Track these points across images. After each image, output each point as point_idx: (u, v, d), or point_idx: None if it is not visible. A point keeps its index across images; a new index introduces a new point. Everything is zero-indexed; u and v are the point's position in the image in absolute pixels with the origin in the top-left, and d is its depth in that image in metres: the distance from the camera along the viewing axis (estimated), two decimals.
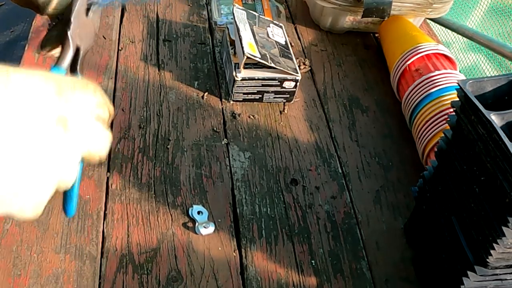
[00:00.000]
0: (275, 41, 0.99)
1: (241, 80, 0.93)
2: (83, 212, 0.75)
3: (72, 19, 0.53)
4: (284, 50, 0.98)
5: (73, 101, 0.42)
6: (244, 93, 0.96)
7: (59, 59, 0.52)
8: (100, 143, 0.44)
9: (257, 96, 0.96)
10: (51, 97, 0.40)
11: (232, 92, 0.95)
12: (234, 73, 0.93)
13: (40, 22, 1.06)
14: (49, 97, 0.40)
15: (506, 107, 0.60)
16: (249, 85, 0.94)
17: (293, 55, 0.99)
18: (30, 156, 0.38)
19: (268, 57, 0.93)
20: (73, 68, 0.53)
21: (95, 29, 0.58)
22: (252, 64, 0.94)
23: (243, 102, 0.97)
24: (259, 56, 0.91)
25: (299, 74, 0.95)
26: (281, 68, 0.93)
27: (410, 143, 0.94)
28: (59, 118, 0.40)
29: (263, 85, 0.95)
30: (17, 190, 0.38)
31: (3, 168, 0.37)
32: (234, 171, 0.85)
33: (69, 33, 0.53)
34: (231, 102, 0.97)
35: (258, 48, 0.93)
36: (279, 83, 0.95)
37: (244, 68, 0.93)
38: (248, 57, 0.91)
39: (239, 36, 0.94)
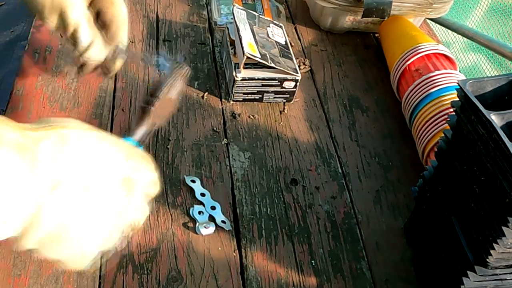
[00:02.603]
0: (275, 41, 0.99)
1: (241, 80, 0.93)
2: None
3: (158, 96, 0.55)
4: (284, 50, 0.98)
5: (138, 170, 0.45)
6: (244, 93, 0.96)
7: (134, 130, 0.53)
8: (142, 216, 0.48)
9: (257, 96, 0.96)
10: (120, 161, 0.44)
11: (232, 92, 0.95)
12: (234, 73, 0.93)
13: (40, 22, 1.06)
14: (118, 160, 0.43)
15: (506, 107, 0.60)
16: (249, 85, 0.94)
17: (293, 55, 0.99)
18: (88, 207, 0.42)
19: (268, 57, 0.93)
20: (140, 142, 0.55)
21: (172, 109, 0.59)
22: (252, 64, 0.94)
23: (243, 102, 0.97)
24: (259, 56, 0.91)
25: (299, 74, 0.95)
26: (281, 68, 0.93)
27: (410, 143, 0.94)
28: (124, 179, 0.44)
29: (263, 85, 0.95)
30: (73, 240, 0.41)
31: (66, 216, 0.40)
32: (234, 171, 0.85)
33: (152, 109, 0.54)
34: (231, 102, 0.97)
35: (258, 48, 0.93)
36: (279, 83, 0.95)
37: (244, 68, 0.93)
38: (248, 57, 0.91)
39: (239, 36, 0.94)
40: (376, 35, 1.20)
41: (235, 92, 0.95)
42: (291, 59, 0.97)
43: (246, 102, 0.97)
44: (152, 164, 0.48)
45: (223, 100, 0.97)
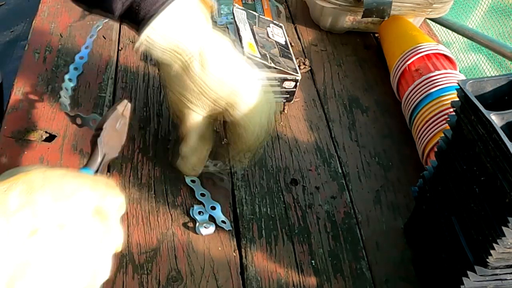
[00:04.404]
0: (275, 41, 0.99)
1: None
2: None
3: (104, 127, 0.59)
4: (284, 50, 0.98)
5: (105, 197, 0.48)
6: None
7: (89, 162, 0.57)
8: (120, 238, 0.50)
9: None
10: (87, 192, 0.46)
11: None
12: None
13: (40, 22, 1.06)
14: (84, 192, 0.45)
15: (506, 107, 0.60)
16: None
17: (293, 55, 0.99)
18: (69, 244, 0.43)
19: (268, 57, 0.93)
20: (96, 171, 0.58)
21: (121, 141, 0.63)
22: (252, 64, 0.94)
23: None
24: (259, 56, 0.91)
25: (299, 74, 0.95)
26: (281, 68, 0.93)
27: (410, 143, 0.94)
28: (95, 209, 0.46)
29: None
30: (64, 281, 0.42)
31: (47, 256, 0.41)
32: (234, 171, 0.85)
33: (99, 140, 0.58)
34: None
35: (258, 48, 0.93)
36: (279, 83, 0.95)
37: None
38: (248, 57, 0.91)
39: (239, 36, 0.94)
40: (376, 35, 1.20)
41: None
42: (291, 59, 0.97)
43: None
44: (116, 188, 0.51)
45: None
